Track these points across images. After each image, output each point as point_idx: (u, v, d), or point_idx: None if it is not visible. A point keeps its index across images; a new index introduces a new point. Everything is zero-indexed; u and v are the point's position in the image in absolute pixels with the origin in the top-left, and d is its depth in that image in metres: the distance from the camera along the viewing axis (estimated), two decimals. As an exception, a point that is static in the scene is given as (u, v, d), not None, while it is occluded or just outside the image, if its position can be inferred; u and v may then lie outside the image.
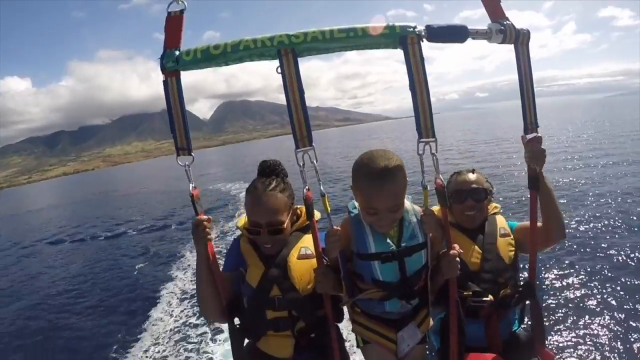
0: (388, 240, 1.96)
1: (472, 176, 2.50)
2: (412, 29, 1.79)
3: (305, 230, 2.23)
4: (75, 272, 13.16)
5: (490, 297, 2.25)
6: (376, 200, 1.83)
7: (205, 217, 2.01)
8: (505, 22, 1.90)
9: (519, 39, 1.93)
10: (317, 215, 2.13)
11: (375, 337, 2.05)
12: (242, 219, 2.24)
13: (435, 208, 2.04)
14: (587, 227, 9.64)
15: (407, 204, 2.02)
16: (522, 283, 2.37)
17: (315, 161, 1.87)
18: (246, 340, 2.20)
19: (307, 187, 1.92)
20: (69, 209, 37.15)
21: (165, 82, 1.94)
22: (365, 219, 1.96)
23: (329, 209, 1.89)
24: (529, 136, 2.05)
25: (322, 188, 1.87)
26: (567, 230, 2.28)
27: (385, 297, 2.02)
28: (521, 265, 2.47)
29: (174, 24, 1.93)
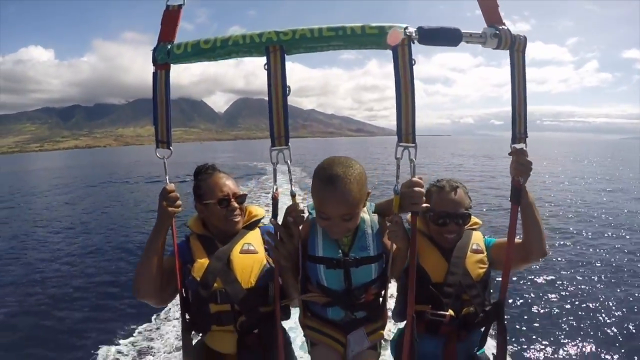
0: (336, 247, 1.94)
1: (455, 196, 2.32)
2: (402, 30, 1.75)
3: (250, 227, 2.33)
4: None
5: (450, 312, 2.17)
6: (327, 206, 1.80)
7: (172, 186, 2.04)
8: (500, 27, 1.83)
9: (515, 45, 1.86)
10: (260, 212, 2.39)
11: (324, 339, 2.02)
12: (192, 219, 2.33)
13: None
14: (568, 253, 10.12)
15: (366, 214, 2.00)
16: (488, 303, 2.24)
17: (289, 161, 1.84)
18: (198, 338, 2.26)
19: (275, 187, 1.93)
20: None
21: (154, 74, 1.97)
22: (318, 223, 1.93)
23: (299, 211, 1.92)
24: (517, 146, 1.96)
25: (292, 188, 1.93)
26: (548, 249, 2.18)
27: (328, 304, 2.00)
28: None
29: (170, 18, 1.96)
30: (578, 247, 10.82)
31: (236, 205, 2.22)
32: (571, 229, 12.60)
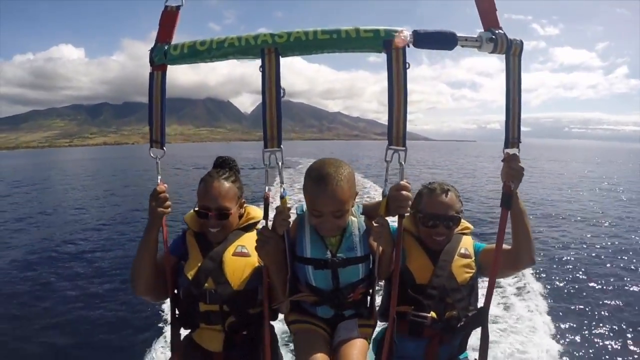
0: (324, 248, 2.01)
1: (446, 199, 2.28)
2: (397, 33, 1.74)
3: (246, 229, 2.29)
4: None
5: (432, 314, 2.14)
6: (319, 203, 1.88)
7: (164, 187, 2.06)
8: (497, 31, 1.81)
9: (511, 50, 1.84)
10: (258, 214, 2.30)
11: (308, 326, 2.07)
12: (189, 214, 2.29)
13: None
14: (559, 261, 10.21)
15: (353, 216, 2.07)
16: (473, 308, 2.22)
17: (280, 163, 1.85)
18: (187, 332, 2.27)
19: (268, 188, 1.94)
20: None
21: (151, 75, 1.99)
22: (310, 221, 2.00)
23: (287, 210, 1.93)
24: (510, 151, 1.95)
25: (282, 190, 1.88)
26: (537, 258, 2.15)
27: (317, 303, 2.08)
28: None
29: (168, 19, 1.97)
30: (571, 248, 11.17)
31: (214, 221, 2.16)
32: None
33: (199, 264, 2.14)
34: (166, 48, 1.92)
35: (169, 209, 2.07)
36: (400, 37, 1.74)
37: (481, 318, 2.13)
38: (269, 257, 1.96)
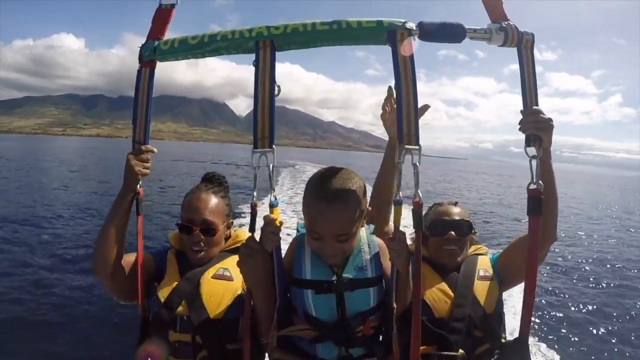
0: (327, 268, 1.65)
1: (455, 208, 2.15)
2: (401, 24, 1.60)
3: (233, 252, 2.03)
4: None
5: (461, 352, 1.81)
6: (318, 223, 1.56)
7: (151, 148, 1.86)
8: (505, 23, 1.66)
9: (522, 42, 1.69)
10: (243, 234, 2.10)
11: None
12: (174, 232, 2.11)
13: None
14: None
15: (364, 234, 1.75)
16: (506, 336, 1.93)
17: (272, 165, 1.56)
18: None
19: (255, 195, 1.59)
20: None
21: (139, 72, 1.88)
22: (309, 243, 1.66)
23: (278, 223, 1.62)
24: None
25: (273, 198, 1.59)
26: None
27: (318, 339, 1.66)
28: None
29: (162, 17, 1.89)
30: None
31: (199, 237, 1.94)
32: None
33: (174, 285, 1.90)
34: (156, 44, 1.83)
35: (148, 171, 1.84)
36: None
37: (520, 349, 1.74)
38: (253, 274, 1.61)
